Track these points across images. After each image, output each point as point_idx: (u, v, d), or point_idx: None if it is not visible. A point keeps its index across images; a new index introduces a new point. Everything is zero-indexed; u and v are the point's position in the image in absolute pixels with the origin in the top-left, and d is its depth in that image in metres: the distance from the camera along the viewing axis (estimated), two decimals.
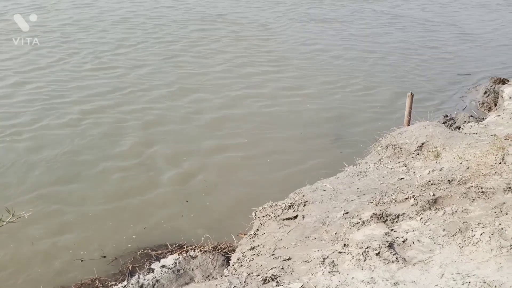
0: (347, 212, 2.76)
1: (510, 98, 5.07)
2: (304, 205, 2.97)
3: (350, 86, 6.10)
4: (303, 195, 3.10)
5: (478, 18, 10.22)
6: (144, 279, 2.64)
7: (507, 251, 2.06)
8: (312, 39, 8.05)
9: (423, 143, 3.51)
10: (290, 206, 2.98)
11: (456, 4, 11.44)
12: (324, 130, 4.87)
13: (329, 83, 6.18)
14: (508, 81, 6.19)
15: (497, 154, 2.93)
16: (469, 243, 2.19)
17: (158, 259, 2.86)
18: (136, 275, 2.70)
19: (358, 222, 2.61)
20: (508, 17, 10.51)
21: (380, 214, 2.63)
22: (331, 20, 9.27)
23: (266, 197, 3.25)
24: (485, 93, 5.89)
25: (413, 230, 2.43)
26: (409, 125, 4.33)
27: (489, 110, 5.48)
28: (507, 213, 2.33)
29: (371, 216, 2.63)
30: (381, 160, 3.61)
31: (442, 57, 7.43)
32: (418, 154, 3.45)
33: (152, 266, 2.80)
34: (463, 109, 5.51)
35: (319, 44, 7.80)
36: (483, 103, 5.66)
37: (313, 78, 6.33)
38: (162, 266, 2.74)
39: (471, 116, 5.17)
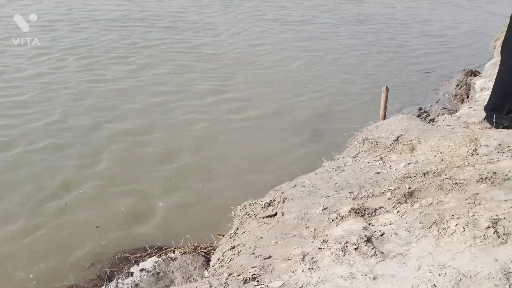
0: (326, 208, 2.77)
1: (481, 89, 5.19)
2: (284, 202, 2.96)
3: (320, 87, 5.90)
4: (282, 192, 3.10)
5: (443, 16, 10.26)
6: (123, 284, 2.59)
7: (480, 241, 2.10)
8: (268, 44, 7.51)
9: (398, 137, 3.55)
10: (269, 203, 2.97)
11: (421, 1, 11.51)
12: (301, 128, 4.83)
13: (298, 84, 5.92)
14: (480, 73, 6.35)
15: (469, 146, 2.99)
16: (445, 234, 2.23)
17: (137, 262, 2.80)
18: (115, 280, 2.64)
19: (337, 217, 2.62)
20: (473, 14, 10.73)
21: (358, 209, 2.65)
22: (287, 22, 8.89)
23: (246, 196, 3.23)
24: (457, 85, 6.03)
25: (390, 224, 2.45)
26: (384, 119, 4.38)
27: (462, 102, 5.61)
28: (480, 204, 2.38)
29: (349, 211, 2.64)
30: (358, 155, 3.64)
31: (411, 55, 7.45)
32: (394, 147, 3.49)
33: (131, 269, 2.74)
34: (437, 102, 5.62)
35: (276, 49, 7.28)
36: (456, 95, 5.79)
37: (280, 81, 6.06)
38: (141, 270, 2.69)
39: (445, 108, 5.29)
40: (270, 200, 2.99)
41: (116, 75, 5.89)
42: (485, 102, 3.80)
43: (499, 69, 3.53)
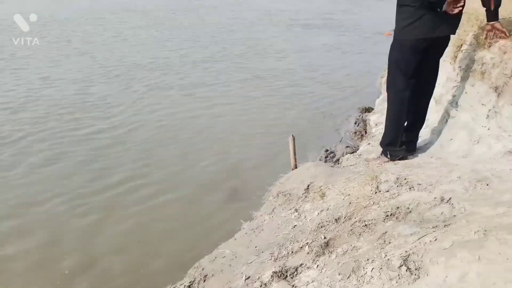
0: (248, 277, 2.63)
1: (376, 124, 5.61)
2: (205, 281, 2.77)
3: (229, 149, 5.80)
4: (203, 269, 2.91)
5: (335, 63, 10.95)
6: None
7: (396, 282, 2.11)
8: (171, 115, 7.05)
9: (308, 185, 3.60)
10: (189, 286, 2.76)
11: (311, 51, 12.38)
12: (217, 194, 4.70)
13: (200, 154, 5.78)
14: (373, 109, 6.89)
15: (372, 184, 3.11)
16: (363, 282, 2.20)
17: None
18: None
19: (261, 286, 2.49)
20: (360, 56, 11.81)
21: (279, 271, 2.55)
22: (187, 88, 8.50)
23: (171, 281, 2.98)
24: (355, 123, 6.46)
25: (313, 281, 2.38)
26: (296, 167, 4.46)
27: (362, 138, 5.98)
28: (390, 242, 2.42)
29: (271, 275, 2.54)
30: (275, 210, 3.60)
31: (312, 105, 7.66)
32: (306, 197, 3.52)
33: None
34: (340, 141, 5.93)
35: (181, 119, 6.85)
36: (355, 132, 6.17)
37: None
38: None
39: (348, 146, 5.58)
40: (190, 282, 2.78)
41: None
42: (381, 137, 4.07)
43: (387, 105, 3.82)
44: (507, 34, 3.39)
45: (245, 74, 9.74)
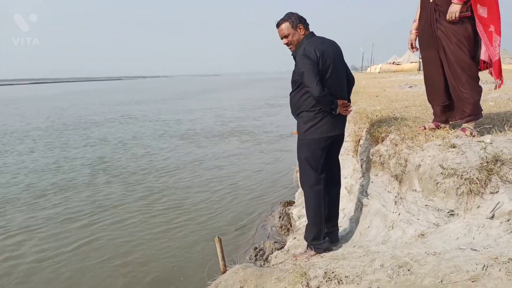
0: None
1: (298, 217, 5.53)
2: None
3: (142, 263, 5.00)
4: None
5: (245, 167, 10.03)
6: None
7: None
8: None
9: None
10: None
11: (217, 157, 11.23)
12: None
13: None
14: (294, 202, 6.88)
15: (302, 282, 2.87)
16: None
17: None
18: None
19: None
20: (270, 157, 12.03)
21: None
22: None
23: None
24: (280, 217, 6.33)
25: None
26: (225, 271, 4.07)
27: (288, 231, 5.82)
28: None
29: None
30: None
31: (226, 205, 7.08)
32: None
33: None
34: (268, 237, 5.70)
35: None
36: (281, 227, 6.01)
37: None
38: None
39: (276, 242, 5.35)
40: None
41: None
42: (304, 230, 3.94)
43: (305, 201, 3.77)
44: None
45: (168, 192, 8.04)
